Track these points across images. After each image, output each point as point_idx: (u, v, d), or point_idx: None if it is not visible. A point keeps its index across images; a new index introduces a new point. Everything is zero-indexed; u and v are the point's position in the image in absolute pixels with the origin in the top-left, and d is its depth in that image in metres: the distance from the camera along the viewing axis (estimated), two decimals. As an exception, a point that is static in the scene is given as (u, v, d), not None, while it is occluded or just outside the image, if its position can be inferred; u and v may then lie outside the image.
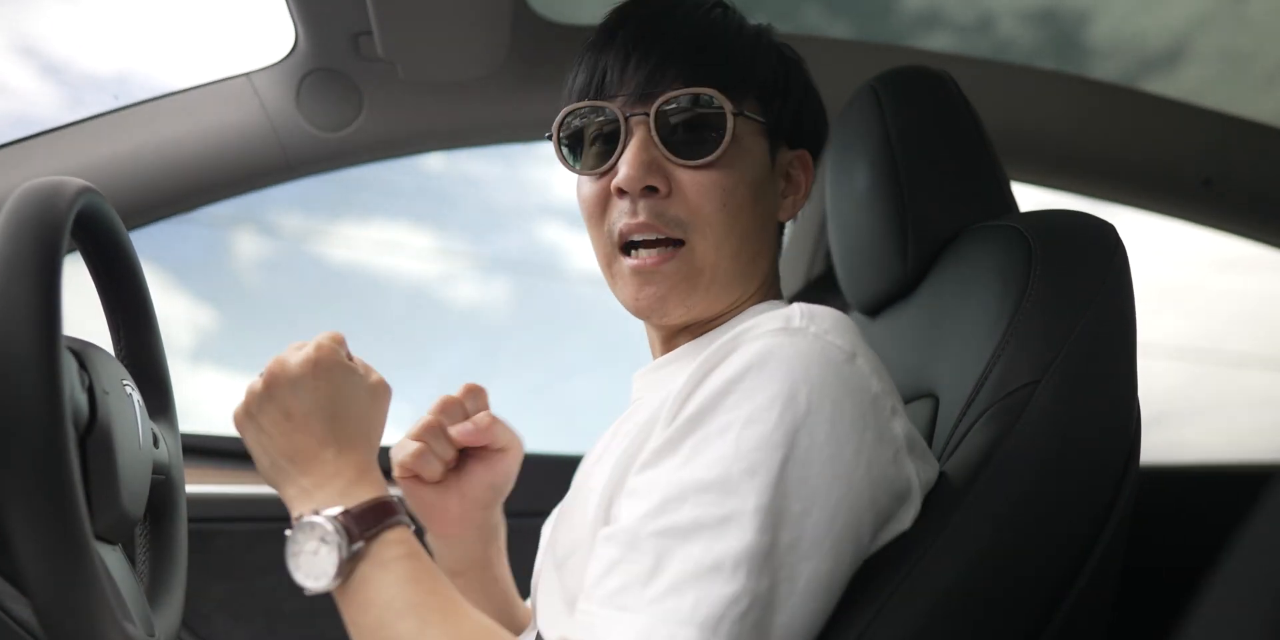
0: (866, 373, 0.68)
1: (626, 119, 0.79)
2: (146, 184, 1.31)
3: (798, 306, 0.72)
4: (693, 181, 0.78)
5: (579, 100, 0.81)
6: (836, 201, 1.06)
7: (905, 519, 0.70)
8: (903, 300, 0.99)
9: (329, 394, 0.70)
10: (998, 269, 0.85)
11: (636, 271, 0.79)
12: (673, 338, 0.86)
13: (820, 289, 1.49)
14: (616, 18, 0.83)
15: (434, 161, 1.46)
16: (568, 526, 0.77)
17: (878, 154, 0.97)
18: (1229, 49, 1.81)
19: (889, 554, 0.70)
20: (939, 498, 0.73)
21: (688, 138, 0.78)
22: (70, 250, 0.68)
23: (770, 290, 0.89)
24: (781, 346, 0.66)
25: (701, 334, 0.85)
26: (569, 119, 0.82)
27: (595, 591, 0.62)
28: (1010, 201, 0.98)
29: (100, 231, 0.81)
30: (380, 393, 0.75)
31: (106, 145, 1.29)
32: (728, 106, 0.78)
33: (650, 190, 0.78)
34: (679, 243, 0.79)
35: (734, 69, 0.80)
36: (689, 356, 0.82)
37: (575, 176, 0.84)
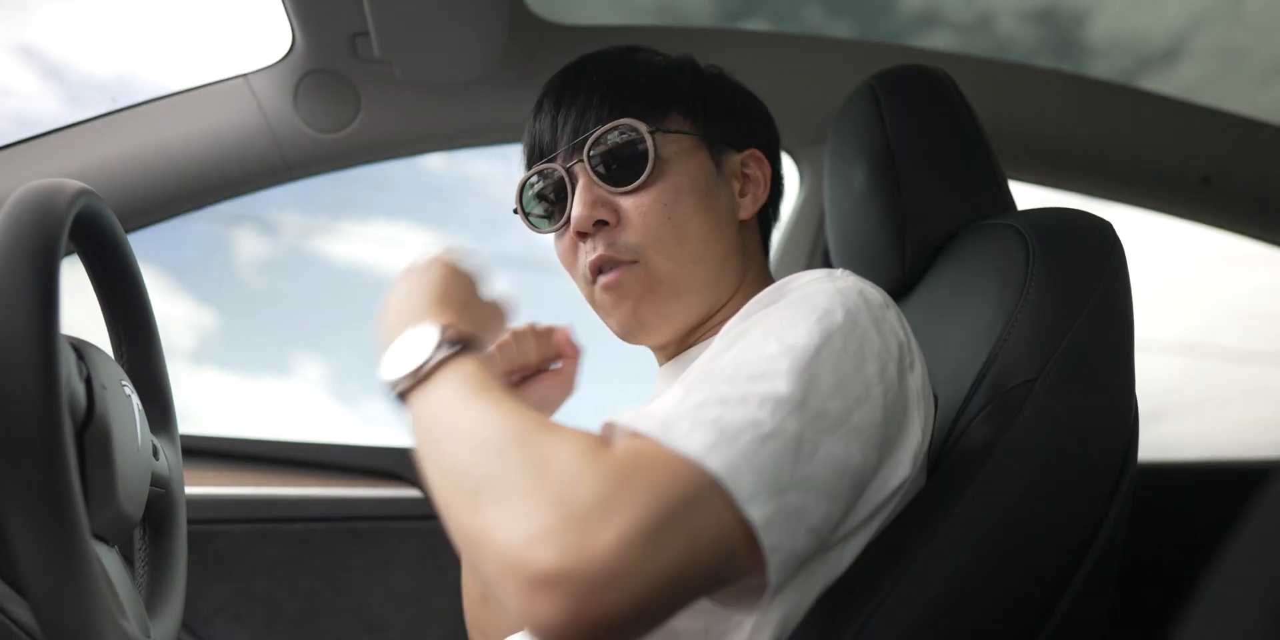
0: (895, 324, 0.71)
1: (568, 170, 0.86)
2: (144, 186, 1.31)
3: (839, 269, 0.77)
4: (635, 206, 0.84)
5: (527, 169, 0.90)
6: (835, 200, 1.06)
7: (905, 464, 0.68)
8: (901, 298, 1.00)
9: (440, 275, 0.73)
10: (995, 267, 0.85)
11: (606, 289, 0.85)
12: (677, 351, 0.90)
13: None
14: (543, 92, 0.91)
15: (434, 160, 1.45)
16: None
17: (876, 152, 0.97)
18: (1226, 46, 1.81)
19: (889, 546, 0.70)
20: (937, 494, 0.73)
21: (619, 168, 0.84)
22: (68, 253, 0.68)
23: (764, 281, 0.90)
24: (823, 288, 0.70)
25: (715, 326, 0.88)
26: (525, 190, 0.90)
27: None
28: (1008, 200, 0.98)
29: (99, 234, 0.81)
30: (497, 305, 0.77)
31: (104, 147, 1.29)
32: (643, 128, 0.83)
33: (601, 224, 0.84)
34: (634, 263, 0.84)
35: (647, 95, 0.86)
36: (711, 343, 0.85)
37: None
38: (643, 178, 0.83)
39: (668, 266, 0.84)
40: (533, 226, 0.90)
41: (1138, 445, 0.80)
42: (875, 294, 0.72)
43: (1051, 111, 1.59)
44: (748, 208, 0.89)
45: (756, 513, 0.55)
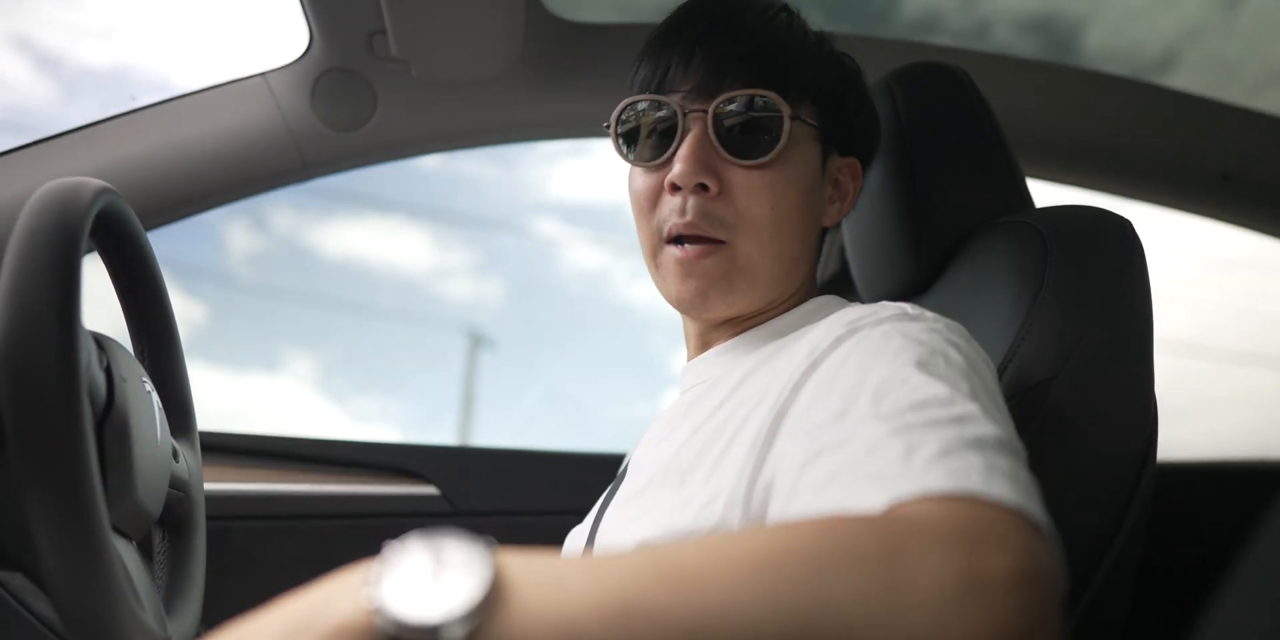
0: (983, 353, 0.69)
1: (685, 115, 0.80)
2: (163, 184, 1.32)
3: (904, 303, 0.73)
4: (744, 182, 0.79)
5: (640, 92, 0.83)
6: (851, 198, 1.06)
7: None
8: (918, 297, 0.99)
9: None
10: (1013, 265, 0.85)
11: (680, 263, 0.81)
12: (710, 332, 0.89)
13: (835, 287, 1.48)
14: (684, 14, 0.84)
15: (430, 158, 1.46)
16: (669, 497, 0.71)
17: (892, 150, 0.97)
18: (1218, 58, 1.82)
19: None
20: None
21: (743, 138, 0.79)
22: (89, 251, 0.69)
23: (810, 290, 0.90)
24: (908, 329, 0.66)
25: (748, 328, 0.87)
26: (628, 111, 0.84)
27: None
28: (1026, 197, 0.97)
29: (119, 232, 0.82)
30: None
31: (124, 146, 1.30)
32: (785, 110, 0.79)
33: (702, 188, 0.79)
34: (721, 242, 0.80)
35: (794, 74, 0.81)
36: (749, 345, 0.85)
37: (629, 168, 0.87)
38: (768, 157, 0.79)
39: (754, 256, 0.80)
40: (620, 152, 0.85)
41: (1157, 445, 0.80)
42: (959, 328, 0.70)
43: (1068, 108, 1.58)
44: (833, 215, 0.88)
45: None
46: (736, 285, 0.81)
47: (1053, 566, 0.47)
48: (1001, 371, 0.79)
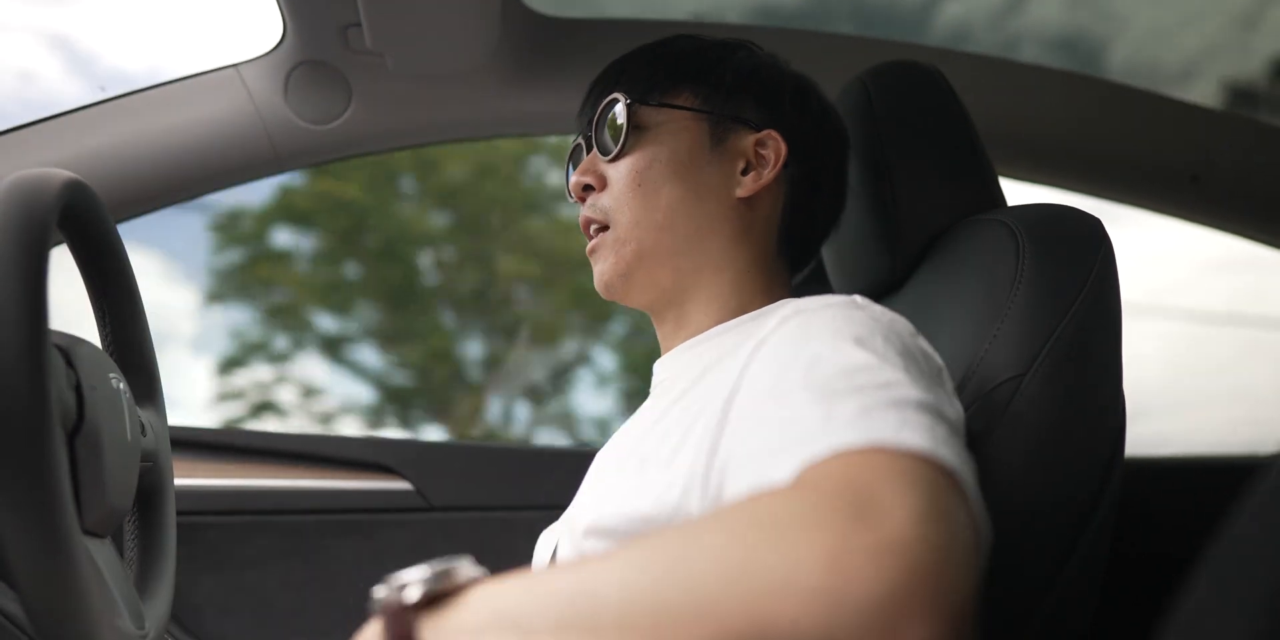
0: (929, 349, 0.71)
1: (586, 141, 0.93)
2: (133, 176, 1.30)
3: (855, 296, 0.76)
4: (613, 172, 0.89)
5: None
6: (826, 195, 1.06)
7: None
8: (891, 294, 1.00)
9: None
10: (985, 263, 0.85)
11: (588, 253, 0.91)
12: (677, 331, 0.91)
13: (809, 284, 1.49)
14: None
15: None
16: (629, 487, 0.73)
17: (866, 148, 0.98)
18: (1234, 75, 1.89)
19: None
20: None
21: (606, 138, 0.90)
22: (57, 243, 0.68)
23: (782, 293, 0.91)
24: (852, 314, 0.70)
25: (715, 323, 0.88)
26: (571, 156, 0.97)
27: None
28: (998, 196, 0.98)
29: (87, 224, 0.81)
30: None
31: (93, 137, 1.28)
32: (624, 100, 0.88)
33: (589, 189, 0.90)
34: (607, 227, 0.89)
35: (651, 72, 0.91)
36: (714, 339, 0.86)
37: None
38: (619, 147, 0.88)
39: (633, 229, 0.87)
40: (568, 193, 0.95)
41: (1125, 441, 0.81)
42: (905, 322, 0.73)
43: (1041, 108, 1.59)
44: (747, 186, 0.89)
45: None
46: (624, 258, 0.87)
47: (961, 509, 0.49)
48: (972, 369, 0.80)
